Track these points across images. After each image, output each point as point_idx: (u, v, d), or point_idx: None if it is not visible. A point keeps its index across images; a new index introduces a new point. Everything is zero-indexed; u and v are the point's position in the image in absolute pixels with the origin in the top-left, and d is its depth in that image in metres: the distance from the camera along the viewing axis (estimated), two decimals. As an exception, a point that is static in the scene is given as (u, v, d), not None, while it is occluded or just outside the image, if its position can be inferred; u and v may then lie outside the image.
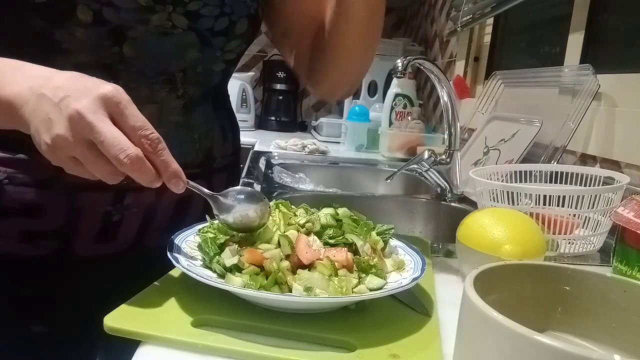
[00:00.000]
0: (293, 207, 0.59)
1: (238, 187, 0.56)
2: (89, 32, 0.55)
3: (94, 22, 0.55)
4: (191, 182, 0.51)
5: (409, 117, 1.87)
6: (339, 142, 2.18)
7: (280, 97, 2.70)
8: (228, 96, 0.79)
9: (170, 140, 0.65)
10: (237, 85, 2.54)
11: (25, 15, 0.54)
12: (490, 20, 1.72)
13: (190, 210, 0.71)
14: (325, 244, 0.53)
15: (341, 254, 0.50)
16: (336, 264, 0.49)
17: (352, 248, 0.53)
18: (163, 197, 0.66)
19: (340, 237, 0.54)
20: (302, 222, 0.55)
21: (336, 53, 0.73)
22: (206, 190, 0.53)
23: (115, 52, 0.58)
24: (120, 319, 0.43)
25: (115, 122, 0.44)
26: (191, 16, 0.61)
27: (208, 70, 0.67)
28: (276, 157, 1.68)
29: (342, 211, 0.59)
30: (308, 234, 0.54)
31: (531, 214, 0.69)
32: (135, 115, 0.45)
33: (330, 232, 0.54)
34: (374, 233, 0.56)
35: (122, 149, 0.43)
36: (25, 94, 0.46)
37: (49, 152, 0.45)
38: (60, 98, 0.44)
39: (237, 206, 0.53)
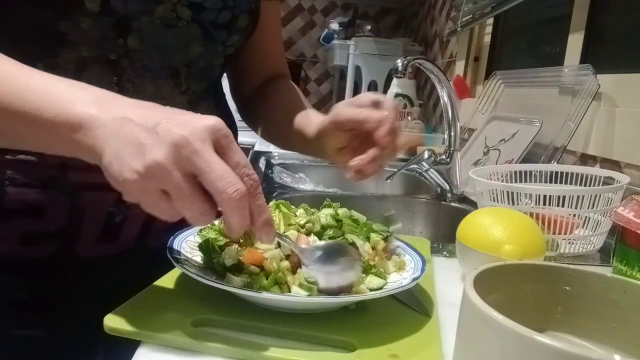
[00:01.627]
0: (293, 207, 0.59)
1: (325, 244, 0.51)
2: (94, 23, 0.55)
3: (101, 12, 0.55)
4: (280, 233, 0.47)
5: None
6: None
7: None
8: (224, 93, 0.80)
9: None
10: (237, 85, 2.53)
11: (32, 7, 0.54)
12: (490, 20, 1.72)
13: None
14: None
15: None
16: None
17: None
18: None
19: (341, 237, 0.54)
20: (302, 222, 0.55)
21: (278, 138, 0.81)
22: (295, 246, 0.49)
23: (120, 45, 0.58)
24: (120, 319, 0.43)
25: (219, 156, 0.40)
26: (195, 8, 0.61)
27: (210, 65, 0.67)
28: (276, 157, 1.68)
29: (342, 211, 0.59)
30: (308, 234, 0.54)
31: (531, 214, 0.69)
32: (240, 152, 0.41)
33: (330, 232, 0.55)
34: (373, 234, 0.56)
35: (231, 183, 0.38)
36: (100, 116, 0.41)
37: (135, 181, 0.38)
38: (156, 123, 0.39)
39: (322, 271, 0.48)
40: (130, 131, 0.39)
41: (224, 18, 0.64)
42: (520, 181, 0.89)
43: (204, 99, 0.69)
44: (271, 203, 0.58)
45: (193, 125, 0.39)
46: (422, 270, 0.52)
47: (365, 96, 0.60)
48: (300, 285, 0.47)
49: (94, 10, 0.54)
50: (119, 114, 0.41)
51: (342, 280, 0.47)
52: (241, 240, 0.52)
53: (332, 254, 0.49)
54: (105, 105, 0.42)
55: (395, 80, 1.93)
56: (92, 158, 0.42)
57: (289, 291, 0.47)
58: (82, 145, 0.41)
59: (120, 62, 0.58)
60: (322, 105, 2.95)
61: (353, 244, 0.53)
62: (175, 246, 0.53)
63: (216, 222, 0.56)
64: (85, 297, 0.64)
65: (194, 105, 0.67)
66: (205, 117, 0.40)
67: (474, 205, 1.07)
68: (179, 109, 0.43)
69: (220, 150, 0.40)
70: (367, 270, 0.51)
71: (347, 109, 0.59)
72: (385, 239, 0.56)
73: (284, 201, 0.59)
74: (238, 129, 0.83)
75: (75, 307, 0.65)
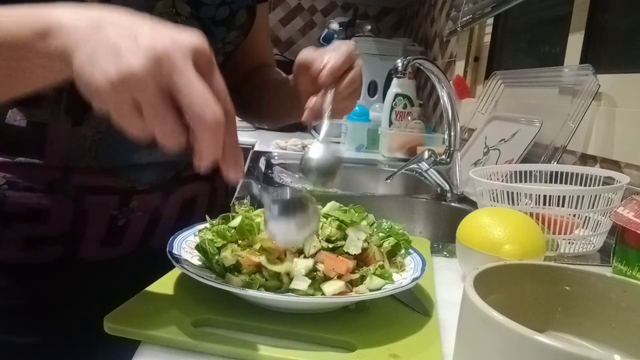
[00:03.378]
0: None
1: (288, 194, 0.49)
2: None
3: None
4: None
5: (409, 117, 1.87)
6: (339, 142, 2.18)
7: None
8: None
9: None
10: (237, 85, 2.53)
11: (30, 3, 0.53)
12: (490, 20, 1.72)
13: (195, 211, 0.71)
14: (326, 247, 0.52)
15: (342, 266, 0.49)
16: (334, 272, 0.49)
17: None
18: (169, 199, 0.66)
19: (340, 245, 0.52)
20: None
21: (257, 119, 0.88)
22: (260, 187, 0.49)
23: None
24: (120, 319, 0.43)
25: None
26: (194, 4, 0.61)
27: None
28: (276, 157, 1.68)
29: (330, 205, 0.58)
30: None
31: (531, 214, 0.69)
32: (220, 79, 0.39)
33: (327, 232, 0.53)
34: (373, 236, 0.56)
35: (209, 105, 0.36)
36: (71, 17, 0.37)
37: (107, 86, 0.35)
38: (137, 30, 0.36)
39: (277, 220, 0.47)
40: (107, 34, 0.36)
41: (222, 14, 0.64)
42: (520, 181, 0.89)
43: None
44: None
45: (178, 40, 0.36)
46: (422, 270, 0.52)
47: (336, 44, 0.60)
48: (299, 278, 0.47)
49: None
50: (94, 16, 0.38)
51: (298, 235, 0.48)
52: (240, 242, 0.52)
53: (291, 207, 0.48)
54: (76, 9, 0.39)
55: (395, 80, 1.92)
56: (64, 67, 0.38)
57: (288, 291, 0.47)
58: (52, 52, 0.38)
59: None
60: (322, 105, 2.95)
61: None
62: (175, 246, 0.53)
63: (215, 221, 0.56)
64: (88, 300, 0.64)
65: None
66: (191, 34, 0.38)
67: (474, 205, 1.07)
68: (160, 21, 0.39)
69: (201, 72, 0.37)
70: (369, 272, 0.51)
71: (305, 52, 0.61)
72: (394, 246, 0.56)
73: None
74: (238, 129, 0.84)
75: (77, 309, 0.65)
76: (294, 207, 0.48)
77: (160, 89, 0.36)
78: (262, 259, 0.48)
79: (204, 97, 0.36)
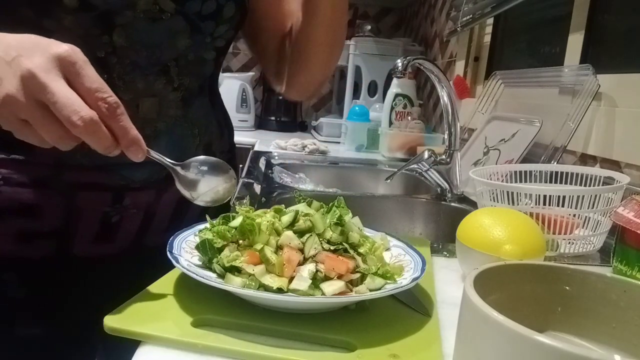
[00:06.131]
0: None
1: (202, 157, 0.55)
2: (75, 20, 0.55)
3: (80, 8, 0.54)
4: (152, 151, 0.49)
5: (409, 117, 1.87)
6: (339, 142, 2.18)
7: (280, 97, 2.70)
8: (219, 92, 0.79)
9: (170, 135, 0.65)
10: (237, 85, 2.54)
11: (14, 5, 0.53)
12: (490, 20, 1.72)
13: (190, 209, 0.71)
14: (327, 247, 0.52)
15: (342, 266, 0.49)
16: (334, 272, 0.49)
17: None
18: (163, 197, 0.66)
19: (340, 245, 0.52)
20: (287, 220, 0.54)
21: (304, 49, 0.74)
22: (169, 161, 0.52)
23: (106, 42, 0.57)
24: (120, 319, 0.43)
25: (70, 84, 0.42)
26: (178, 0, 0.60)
27: (200, 59, 0.67)
28: (276, 157, 1.68)
29: (315, 205, 0.58)
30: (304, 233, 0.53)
31: (531, 214, 0.69)
32: (91, 77, 0.43)
33: (328, 236, 0.53)
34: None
35: (75, 111, 0.41)
36: None
37: None
38: (13, 57, 0.42)
39: (202, 180, 0.53)
40: None
41: (209, 8, 0.63)
42: (520, 181, 0.89)
43: (199, 96, 0.69)
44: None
45: (41, 57, 0.41)
46: (422, 270, 0.52)
47: None
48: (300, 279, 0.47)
49: (73, 6, 0.54)
50: None
51: (219, 193, 0.55)
52: (240, 242, 0.52)
53: (215, 170, 0.54)
54: None
55: (395, 80, 1.92)
56: None
57: (289, 291, 0.47)
58: None
59: (109, 59, 0.58)
60: (322, 105, 2.95)
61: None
62: (175, 246, 0.53)
63: (214, 221, 0.56)
64: (85, 297, 0.64)
65: (188, 102, 0.66)
66: (56, 46, 0.42)
67: (474, 205, 1.07)
68: (40, 37, 0.44)
69: (70, 78, 0.42)
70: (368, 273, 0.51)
71: None
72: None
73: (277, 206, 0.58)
74: (235, 129, 0.83)
75: (75, 307, 0.65)
76: (218, 169, 0.55)
77: (37, 104, 0.41)
78: (256, 271, 0.48)
79: (67, 104, 0.41)
